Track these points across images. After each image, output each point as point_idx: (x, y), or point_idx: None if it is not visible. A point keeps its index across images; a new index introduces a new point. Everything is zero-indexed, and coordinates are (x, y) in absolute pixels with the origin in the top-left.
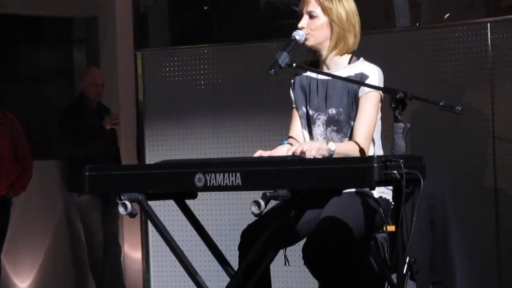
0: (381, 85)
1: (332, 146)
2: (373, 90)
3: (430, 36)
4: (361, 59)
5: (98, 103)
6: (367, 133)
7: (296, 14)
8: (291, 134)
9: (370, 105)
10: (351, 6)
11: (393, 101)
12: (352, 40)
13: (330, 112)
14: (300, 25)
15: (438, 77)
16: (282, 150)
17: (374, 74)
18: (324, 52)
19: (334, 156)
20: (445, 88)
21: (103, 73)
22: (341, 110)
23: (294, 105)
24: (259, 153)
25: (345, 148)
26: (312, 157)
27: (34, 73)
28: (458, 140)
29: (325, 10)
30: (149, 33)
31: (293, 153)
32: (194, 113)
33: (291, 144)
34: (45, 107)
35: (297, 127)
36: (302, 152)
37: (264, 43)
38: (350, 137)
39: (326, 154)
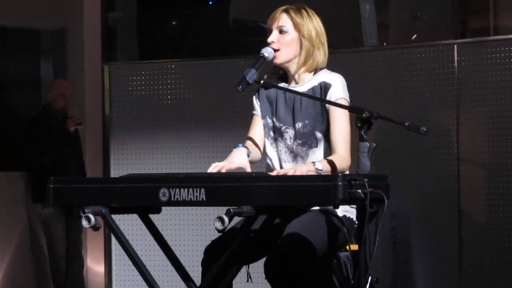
0: (345, 91)
1: (319, 166)
2: (341, 97)
3: (397, 56)
4: (325, 69)
5: (64, 115)
6: (346, 144)
7: (264, 31)
8: (250, 135)
9: (341, 113)
10: (320, 25)
11: (359, 120)
12: (322, 57)
13: (297, 126)
14: (270, 39)
15: (404, 97)
16: (236, 156)
17: (337, 81)
18: (292, 68)
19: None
20: (411, 108)
21: (70, 84)
22: (307, 122)
23: (256, 112)
24: (214, 165)
25: (329, 166)
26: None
27: (0, 83)
28: (423, 161)
29: (296, 26)
30: (117, 47)
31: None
32: (160, 127)
33: (246, 147)
34: (11, 117)
35: (258, 131)
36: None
37: (232, 59)
38: (328, 151)
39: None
